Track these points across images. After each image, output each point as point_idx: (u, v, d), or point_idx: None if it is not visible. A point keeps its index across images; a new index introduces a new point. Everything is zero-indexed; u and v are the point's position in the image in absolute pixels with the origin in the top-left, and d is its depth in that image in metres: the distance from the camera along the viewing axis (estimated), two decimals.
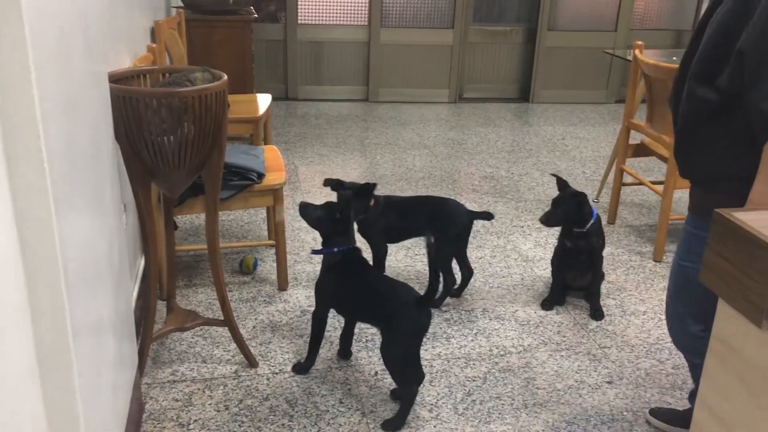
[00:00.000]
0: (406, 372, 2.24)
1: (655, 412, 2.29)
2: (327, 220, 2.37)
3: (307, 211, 2.40)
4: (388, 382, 2.42)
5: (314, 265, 3.25)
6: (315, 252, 2.44)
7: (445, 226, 2.86)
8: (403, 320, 2.19)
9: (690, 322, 1.98)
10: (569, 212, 2.81)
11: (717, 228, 1.37)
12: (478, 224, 3.79)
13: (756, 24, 1.59)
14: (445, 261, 2.88)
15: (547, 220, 2.82)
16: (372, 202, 2.83)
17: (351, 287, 2.35)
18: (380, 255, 2.97)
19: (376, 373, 2.47)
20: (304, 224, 3.66)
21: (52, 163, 1.25)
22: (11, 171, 1.19)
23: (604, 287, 3.06)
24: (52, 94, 1.30)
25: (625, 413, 2.33)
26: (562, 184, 2.88)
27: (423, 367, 2.52)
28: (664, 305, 2.09)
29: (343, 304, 2.41)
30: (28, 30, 1.14)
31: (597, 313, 2.91)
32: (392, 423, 2.21)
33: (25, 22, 1.13)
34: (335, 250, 2.35)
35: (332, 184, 2.78)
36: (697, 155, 1.85)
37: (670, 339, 2.77)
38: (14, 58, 1.14)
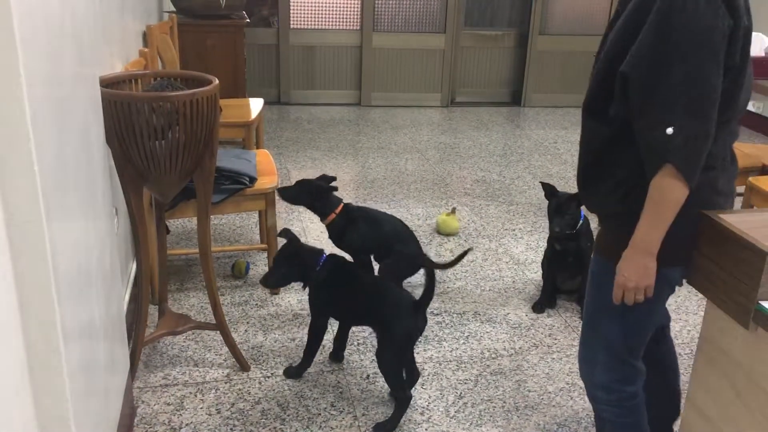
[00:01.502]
0: (401, 376, 2.24)
1: None
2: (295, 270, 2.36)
3: (271, 280, 2.40)
4: (380, 385, 2.43)
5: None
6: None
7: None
8: (399, 323, 2.20)
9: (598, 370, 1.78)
10: (575, 216, 2.82)
11: (705, 230, 1.38)
12: (469, 227, 3.80)
13: (640, 47, 1.46)
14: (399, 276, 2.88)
15: (562, 230, 2.81)
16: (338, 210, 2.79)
17: (346, 294, 2.35)
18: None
19: (368, 376, 2.48)
20: (296, 228, 3.67)
21: (42, 167, 1.25)
22: (1, 175, 1.19)
23: None
24: (43, 97, 1.30)
25: None
26: (549, 189, 2.87)
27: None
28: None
29: (341, 311, 2.41)
30: (18, 33, 1.15)
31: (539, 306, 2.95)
32: (385, 426, 2.21)
33: (15, 25, 1.13)
34: (317, 268, 2.34)
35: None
36: (592, 188, 1.67)
37: None
38: (4, 61, 1.14)
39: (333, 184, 2.78)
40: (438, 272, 3.07)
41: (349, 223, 2.78)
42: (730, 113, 1.53)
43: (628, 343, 1.69)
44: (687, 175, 1.44)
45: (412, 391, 2.37)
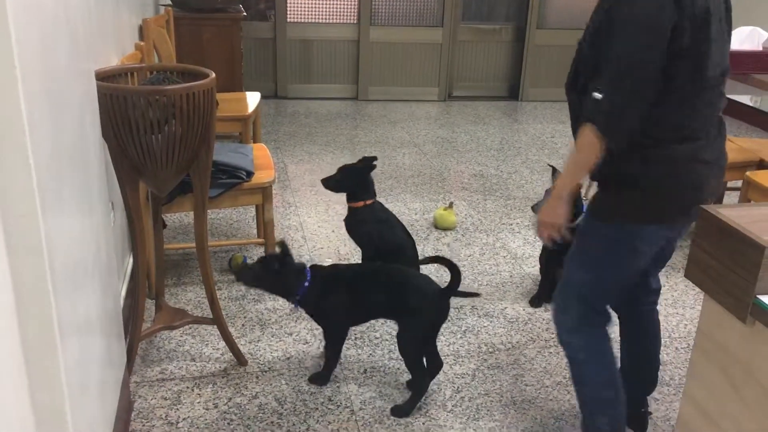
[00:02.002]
0: (422, 363, 2.27)
1: None
2: (267, 274, 2.28)
3: (245, 276, 2.30)
4: (378, 379, 2.43)
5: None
6: (297, 305, 2.33)
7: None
8: (426, 311, 2.22)
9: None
10: (578, 206, 2.83)
11: (702, 224, 1.38)
12: (466, 222, 3.80)
13: (594, 27, 1.73)
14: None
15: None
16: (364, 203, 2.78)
17: (362, 291, 2.32)
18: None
19: (365, 370, 2.48)
20: (293, 222, 3.67)
21: (38, 161, 1.25)
22: None
23: None
24: (38, 91, 1.29)
25: None
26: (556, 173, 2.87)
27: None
28: None
29: (358, 313, 2.38)
30: (13, 27, 1.14)
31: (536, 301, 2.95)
32: (402, 408, 2.26)
33: (9, 19, 1.13)
34: (306, 284, 2.28)
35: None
36: None
37: None
38: None
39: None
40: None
41: (374, 218, 2.77)
42: (697, 88, 1.70)
43: (597, 291, 1.90)
44: (605, 138, 1.67)
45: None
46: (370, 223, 2.75)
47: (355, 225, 2.79)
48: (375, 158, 2.77)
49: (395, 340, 2.66)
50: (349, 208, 2.78)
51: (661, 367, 2.54)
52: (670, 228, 1.84)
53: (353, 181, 2.75)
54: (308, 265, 2.34)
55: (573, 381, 2.02)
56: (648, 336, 2.15)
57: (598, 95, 1.66)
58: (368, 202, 2.75)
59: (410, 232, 3.56)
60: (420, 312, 2.22)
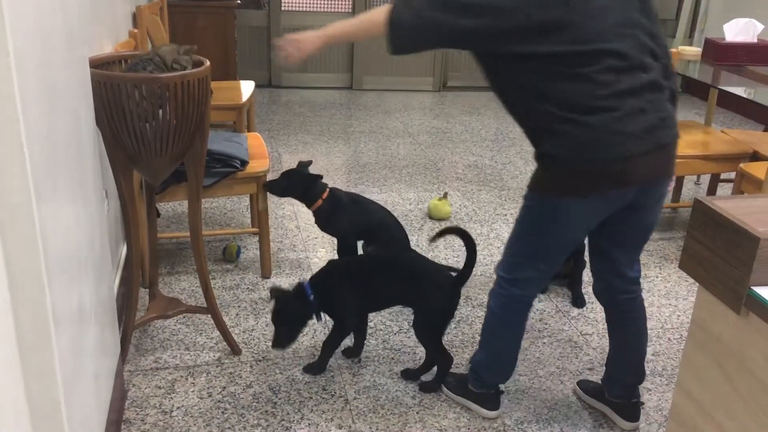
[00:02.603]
0: (441, 343, 2.31)
1: (583, 386, 2.36)
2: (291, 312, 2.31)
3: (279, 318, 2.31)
4: (372, 368, 2.43)
5: (297, 253, 3.25)
6: (320, 318, 2.36)
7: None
8: (441, 297, 2.25)
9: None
10: None
11: (697, 215, 1.38)
12: (461, 212, 3.80)
13: None
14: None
15: None
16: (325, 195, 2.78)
17: (374, 281, 2.33)
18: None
19: (360, 360, 2.48)
20: (287, 212, 3.66)
21: (32, 149, 1.24)
22: None
23: (585, 275, 3.08)
24: (32, 78, 1.28)
25: None
26: None
27: (408, 354, 2.54)
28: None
29: (372, 302, 2.40)
30: (7, 14, 1.13)
31: (578, 301, 2.93)
32: (431, 385, 2.34)
33: (3, 5, 1.11)
34: (312, 298, 2.29)
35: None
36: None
37: (650, 326, 2.80)
38: None
39: (312, 169, 2.77)
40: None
41: (336, 208, 2.76)
42: (584, 59, 1.74)
43: (524, 253, 2.02)
44: (392, 17, 1.81)
45: (400, 374, 2.38)
46: (338, 213, 2.76)
47: (326, 221, 2.80)
48: (310, 162, 2.81)
49: (389, 330, 2.67)
50: (314, 212, 2.78)
51: (653, 357, 2.56)
52: (596, 202, 1.86)
53: (298, 185, 2.75)
54: (306, 282, 2.34)
55: (485, 331, 2.18)
56: (629, 326, 2.15)
57: None
58: (324, 195, 2.75)
59: (405, 222, 3.56)
60: (433, 301, 2.26)
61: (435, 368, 2.36)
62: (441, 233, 2.35)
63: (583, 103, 1.76)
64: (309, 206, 2.78)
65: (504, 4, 1.74)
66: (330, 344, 2.38)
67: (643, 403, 2.26)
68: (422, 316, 2.30)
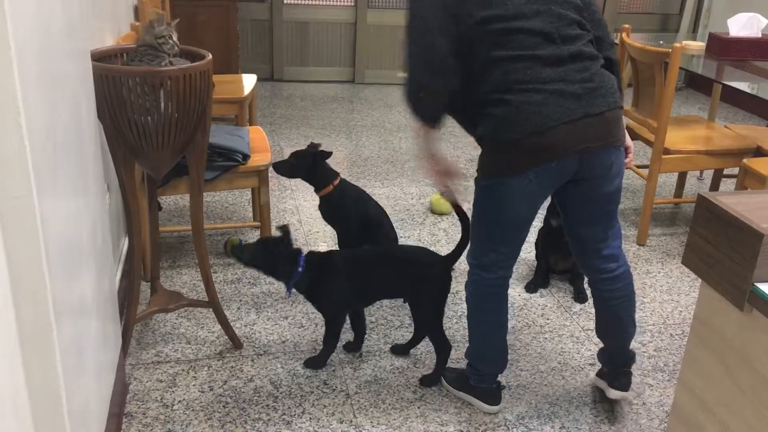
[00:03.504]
0: (442, 329, 2.32)
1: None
2: (267, 252, 2.27)
3: (237, 253, 2.28)
4: (373, 363, 2.43)
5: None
6: (290, 291, 2.32)
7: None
8: (434, 280, 2.27)
9: None
10: None
11: (700, 211, 1.37)
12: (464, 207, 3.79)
13: None
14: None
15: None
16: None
17: (363, 274, 2.33)
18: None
19: (360, 354, 2.48)
20: (288, 206, 3.66)
21: (33, 142, 1.23)
22: None
23: None
24: (33, 71, 1.28)
25: None
26: None
27: (397, 354, 2.54)
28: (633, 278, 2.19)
29: (360, 295, 2.38)
30: (8, 6, 1.12)
31: (580, 296, 2.93)
32: (431, 378, 2.33)
33: None
34: (299, 269, 2.27)
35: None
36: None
37: (652, 322, 2.80)
38: None
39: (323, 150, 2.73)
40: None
41: (344, 198, 2.74)
42: (484, 47, 1.84)
43: (484, 236, 2.07)
44: (414, 115, 1.93)
45: (404, 371, 2.38)
46: (345, 203, 2.73)
47: (331, 210, 2.76)
48: (319, 145, 2.75)
49: (390, 325, 2.67)
50: (321, 197, 2.74)
51: (655, 353, 2.55)
52: (534, 177, 1.89)
53: (306, 167, 2.69)
54: (304, 252, 2.32)
55: (468, 320, 2.21)
56: (607, 305, 2.15)
57: (402, 74, 1.89)
58: (335, 183, 2.72)
59: (406, 216, 3.56)
60: (427, 282, 2.27)
61: (432, 366, 2.36)
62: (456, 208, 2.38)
63: (504, 84, 1.84)
64: (318, 190, 2.73)
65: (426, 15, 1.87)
66: (327, 339, 2.38)
67: (631, 373, 2.25)
68: (419, 303, 2.30)
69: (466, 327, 2.67)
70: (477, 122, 1.94)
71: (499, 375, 2.26)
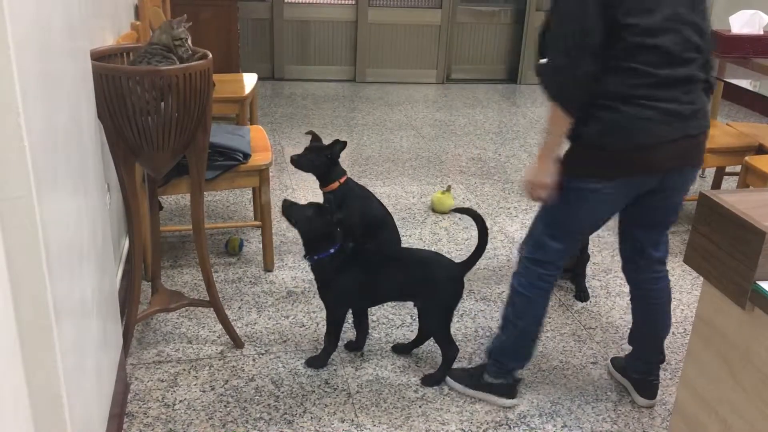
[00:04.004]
0: (450, 333, 2.32)
1: (614, 362, 2.46)
2: (317, 222, 2.26)
3: (292, 210, 2.29)
4: (375, 362, 2.43)
5: (300, 246, 3.23)
6: (312, 260, 2.30)
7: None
8: (446, 289, 2.28)
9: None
10: None
11: (702, 209, 1.37)
12: (464, 206, 3.79)
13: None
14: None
15: None
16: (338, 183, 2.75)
17: (376, 273, 2.32)
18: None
19: (362, 354, 2.48)
20: None
21: (32, 142, 1.23)
22: None
23: (589, 268, 3.07)
24: (32, 70, 1.28)
25: (609, 393, 2.35)
26: None
27: (398, 353, 2.54)
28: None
29: (369, 295, 2.38)
30: (7, 5, 1.12)
31: (582, 295, 2.92)
32: (433, 378, 2.33)
33: None
34: (331, 250, 2.27)
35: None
36: None
37: None
38: None
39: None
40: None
41: (348, 196, 2.74)
42: (615, 52, 1.81)
43: (550, 234, 2.07)
44: (555, 100, 1.86)
45: (405, 369, 2.38)
46: (351, 201, 2.72)
47: (336, 208, 2.75)
48: (319, 138, 2.79)
49: (392, 324, 2.67)
50: (325, 194, 2.73)
51: None
52: (622, 185, 1.93)
53: (323, 160, 2.70)
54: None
55: (509, 312, 2.19)
56: (651, 305, 2.23)
57: (543, 60, 1.87)
58: (342, 180, 2.72)
59: (408, 215, 3.56)
60: (441, 290, 2.27)
61: (433, 366, 2.36)
62: (462, 210, 2.42)
63: (621, 93, 1.84)
64: (323, 186, 2.73)
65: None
66: (328, 337, 2.38)
67: (658, 382, 2.31)
68: (430, 308, 2.30)
69: (469, 326, 2.67)
70: (581, 122, 1.91)
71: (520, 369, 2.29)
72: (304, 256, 2.32)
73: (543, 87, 1.88)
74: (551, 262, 2.10)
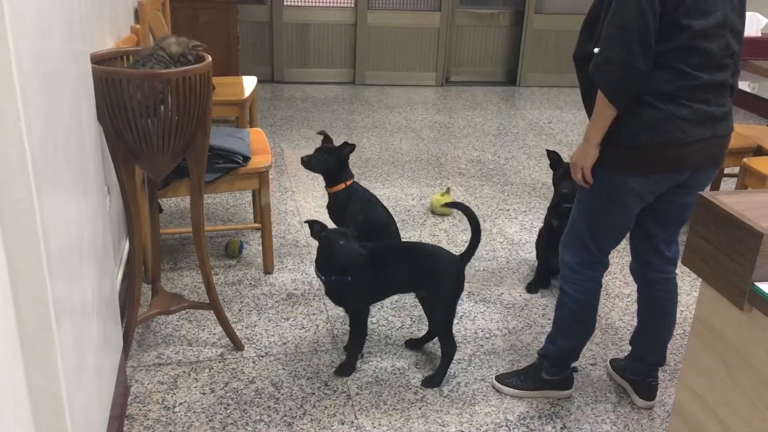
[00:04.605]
0: (451, 330, 2.34)
1: (613, 363, 2.48)
2: (346, 249, 2.22)
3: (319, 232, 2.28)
4: (374, 364, 2.43)
5: (300, 248, 3.25)
6: (331, 280, 2.30)
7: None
8: (449, 279, 2.30)
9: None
10: (576, 186, 2.83)
11: (700, 210, 1.37)
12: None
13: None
14: None
15: (570, 191, 2.77)
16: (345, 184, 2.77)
17: (385, 268, 2.34)
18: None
19: (362, 356, 2.48)
20: (290, 207, 3.66)
21: (32, 144, 1.23)
22: None
23: None
24: (32, 73, 1.28)
25: (608, 395, 2.35)
26: (555, 158, 2.87)
27: (410, 350, 2.54)
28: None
29: (380, 289, 2.41)
30: (7, 7, 1.12)
31: (533, 287, 2.99)
32: (433, 380, 2.34)
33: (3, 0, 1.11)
34: (349, 278, 2.27)
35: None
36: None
37: None
38: None
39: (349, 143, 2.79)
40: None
41: (353, 199, 2.75)
42: (665, 51, 1.84)
43: (590, 232, 2.10)
44: (606, 93, 1.87)
45: (405, 369, 2.38)
46: (354, 204, 2.74)
47: (339, 208, 2.76)
48: (331, 139, 2.83)
49: (391, 326, 2.67)
50: (330, 194, 2.76)
51: None
52: (653, 181, 1.97)
53: (333, 161, 2.74)
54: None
55: (561, 320, 2.22)
56: (658, 306, 2.25)
57: (596, 49, 1.86)
58: (348, 182, 2.75)
59: (407, 217, 3.56)
60: (445, 280, 2.29)
61: (432, 368, 2.36)
62: (453, 205, 2.47)
63: (662, 91, 1.88)
64: (330, 186, 2.76)
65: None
66: (354, 339, 2.39)
67: (657, 384, 2.33)
68: (435, 299, 2.32)
69: (469, 328, 2.67)
70: (618, 118, 1.94)
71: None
72: (317, 273, 2.32)
73: (593, 75, 1.88)
74: (596, 261, 2.14)
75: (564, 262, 2.18)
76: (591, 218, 2.10)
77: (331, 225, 2.48)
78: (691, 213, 2.10)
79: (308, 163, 2.74)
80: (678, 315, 2.83)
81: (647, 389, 2.30)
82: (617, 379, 2.41)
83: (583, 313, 2.19)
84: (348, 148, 2.75)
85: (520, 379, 2.33)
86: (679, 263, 1.65)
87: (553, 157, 2.86)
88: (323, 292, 2.37)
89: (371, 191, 2.88)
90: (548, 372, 2.28)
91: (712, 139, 1.94)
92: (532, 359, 2.51)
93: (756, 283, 1.22)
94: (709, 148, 1.96)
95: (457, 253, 2.38)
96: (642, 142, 1.92)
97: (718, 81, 1.91)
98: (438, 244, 3.30)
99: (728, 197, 1.35)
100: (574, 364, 2.33)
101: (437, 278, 2.30)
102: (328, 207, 2.80)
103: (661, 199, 2.06)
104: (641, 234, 2.19)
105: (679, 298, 2.96)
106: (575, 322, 2.20)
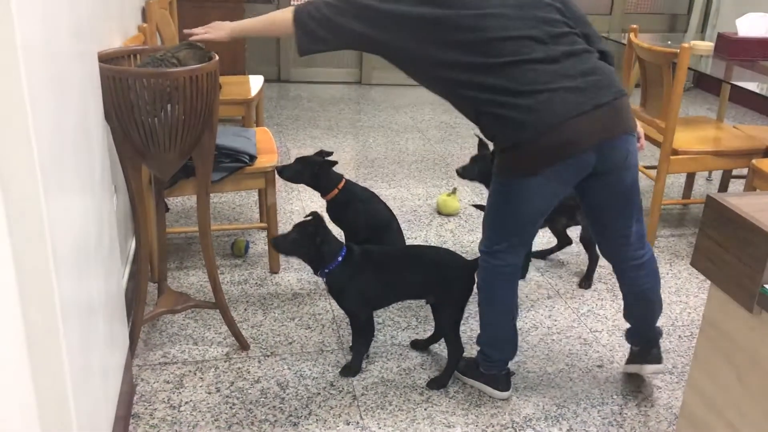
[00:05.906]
0: (458, 333, 2.33)
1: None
2: (306, 241, 2.25)
3: (278, 244, 2.27)
4: (380, 365, 2.43)
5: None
6: (324, 274, 2.29)
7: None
8: (460, 283, 2.29)
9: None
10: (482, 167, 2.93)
11: (709, 212, 1.37)
12: (470, 208, 3.78)
13: None
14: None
15: (464, 172, 2.96)
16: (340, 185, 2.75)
17: (391, 273, 2.33)
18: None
19: (368, 356, 2.48)
20: (296, 207, 3.66)
21: (40, 144, 1.24)
22: None
23: (596, 271, 3.06)
24: (40, 72, 1.28)
25: (615, 397, 2.34)
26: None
27: (416, 350, 2.54)
28: None
29: (387, 294, 2.39)
30: (15, 7, 1.12)
31: (585, 282, 3.02)
32: (439, 381, 2.33)
33: None
34: (339, 259, 2.27)
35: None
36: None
37: (660, 323, 2.78)
38: (0, 35, 1.12)
39: (330, 159, 2.73)
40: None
41: (351, 200, 2.74)
42: (490, 50, 1.90)
43: (500, 228, 2.12)
44: (295, 29, 2.15)
45: (409, 370, 2.37)
46: (353, 205, 2.73)
47: (339, 212, 2.75)
48: (331, 153, 2.78)
49: (397, 326, 2.66)
50: (327, 201, 2.74)
51: (663, 354, 2.54)
52: (551, 174, 1.95)
53: (310, 173, 2.69)
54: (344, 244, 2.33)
55: (479, 310, 2.26)
56: (640, 292, 2.24)
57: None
58: (340, 186, 2.72)
59: (413, 217, 3.56)
60: (454, 287, 2.29)
61: (438, 369, 2.36)
62: (481, 207, 2.47)
63: (508, 89, 1.90)
64: (323, 195, 2.74)
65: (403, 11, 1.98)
66: (358, 341, 2.39)
67: (660, 346, 2.35)
68: (445, 303, 2.30)
69: (474, 328, 2.67)
70: (491, 127, 1.99)
71: (510, 362, 2.31)
72: (316, 274, 2.31)
73: (297, 16, 2.12)
74: (505, 252, 2.14)
75: (480, 250, 2.20)
76: (497, 217, 2.12)
77: (331, 226, 2.47)
78: (638, 195, 2.10)
79: (282, 173, 2.71)
80: (686, 317, 2.83)
81: (653, 352, 2.32)
82: (628, 369, 2.41)
83: (490, 301, 2.21)
84: (328, 164, 2.69)
85: (466, 364, 2.35)
86: (688, 265, 1.64)
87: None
88: (327, 291, 2.37)
89: (376, 190, 2.88)
90: (481, 364, 2.30)
91: (594, 110, 1.89)
92: (537, 360, 2.51)
93: (766, 286, 1.22)
94: (595, 119, 1.90)
95: (463, 254, 2.36)
96: (520, 140, 1.91)
97: (557, 54, 1.90)
98: (444, 245, 3.29)
99: (737, 199, 1.35)
100: (509, 367, 2.30)
101: (447, 285, 2.29)
102: (328, 212, 2.78)
103: (593, 190, 2.05)
104: (599, 231, 2.19)
105: (686, 299, 2.96)
106: (485, 312, 2.24)
